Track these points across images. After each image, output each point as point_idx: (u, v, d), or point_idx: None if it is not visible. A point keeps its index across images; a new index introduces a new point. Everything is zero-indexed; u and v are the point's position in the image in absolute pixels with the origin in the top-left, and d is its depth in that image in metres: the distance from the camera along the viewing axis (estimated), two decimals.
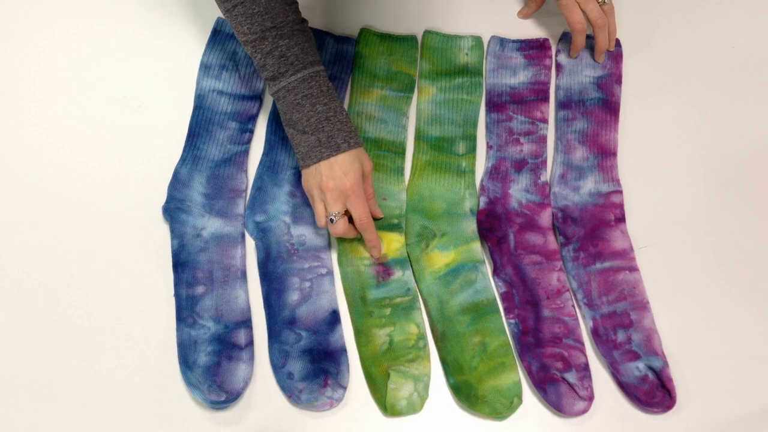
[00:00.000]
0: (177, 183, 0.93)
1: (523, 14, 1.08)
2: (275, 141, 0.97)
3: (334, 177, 0.86)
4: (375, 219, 0.91)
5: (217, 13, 1.03)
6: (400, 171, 0.97)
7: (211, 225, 0.91)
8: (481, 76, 1.03)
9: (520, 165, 0.98)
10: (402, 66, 1.03)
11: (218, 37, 1.02)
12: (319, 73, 0.87)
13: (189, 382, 0.82)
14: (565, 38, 1.06)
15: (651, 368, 0.86)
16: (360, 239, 0.91)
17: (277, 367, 0.84)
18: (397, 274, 0.91)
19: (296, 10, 0.88)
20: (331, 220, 0.87)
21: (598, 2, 1.00)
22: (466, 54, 1.04)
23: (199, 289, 0.87)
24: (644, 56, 1.06)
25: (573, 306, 0.90)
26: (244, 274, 0.90)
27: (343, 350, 0.86)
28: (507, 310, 0.90)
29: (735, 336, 0.89)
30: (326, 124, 0.86)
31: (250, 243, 0.92)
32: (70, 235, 0.90)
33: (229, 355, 0.84)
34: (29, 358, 0.84)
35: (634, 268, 0.91)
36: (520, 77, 1.03)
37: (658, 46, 1.07)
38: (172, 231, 0.90)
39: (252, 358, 0.85)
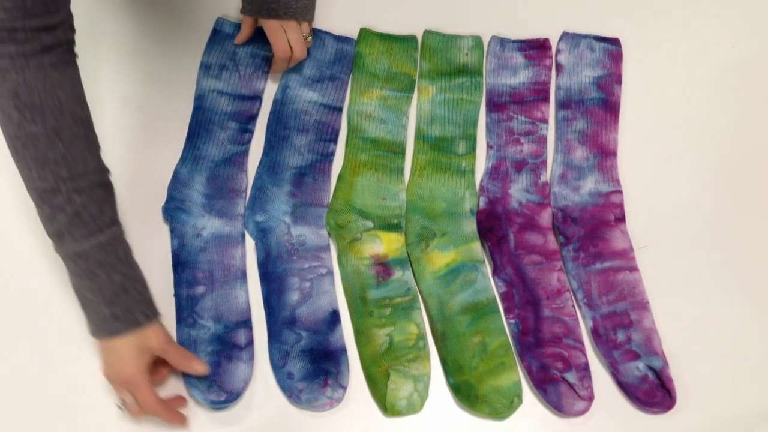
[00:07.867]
0: (177, 183, 0.93)
1: (239, 41, 1.00)
2: (275, 141, 0.97)
3: (112, 364, 0.78)
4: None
5: (217, 13, 1.03)
6: (400, 171, 0.97)
7: (211, 225, 0.91)
8: (481, 76, 1.03)
9: (520, 165, 0.98)
10: (402, 66, 1.03)
11: (218, 37, 1.02)
12: (117, 237, 0.78)
13: (189, 382, 0.82)
14: (566, 38, 1.06)
15: (651, 368, 0.86)
16: (359, 239, 0.91)
17: (277, 367, 0.84)
18: (397, 274, 0.91)
19: (98, 156, 0.78)
20: (120, 408, 0.79)
21: (303, 36, 0.96)
22: (466, 54, 1.04)
23: (199, 289, 0.87)
24: (644, 56, 1.06)
25: (573, 306, 0.90)
26: (244, 274, 0.89)
27: (343, 350, 0.86)
28: (507, 310, 0.89)
29: (735, 336, 0.89)
30: (123, 297, 0.77)
31: (250, 243, 0.92)
32: None
33: (229, 354, 0.84)
34: (29, 358, 0.84)
35: (634, 268, 0.91)
36: (520, 77, 1.03)
37: (657, 46, 1.07)
38: (172, 231, 0.90)
39: (252, 358, 0.85)
